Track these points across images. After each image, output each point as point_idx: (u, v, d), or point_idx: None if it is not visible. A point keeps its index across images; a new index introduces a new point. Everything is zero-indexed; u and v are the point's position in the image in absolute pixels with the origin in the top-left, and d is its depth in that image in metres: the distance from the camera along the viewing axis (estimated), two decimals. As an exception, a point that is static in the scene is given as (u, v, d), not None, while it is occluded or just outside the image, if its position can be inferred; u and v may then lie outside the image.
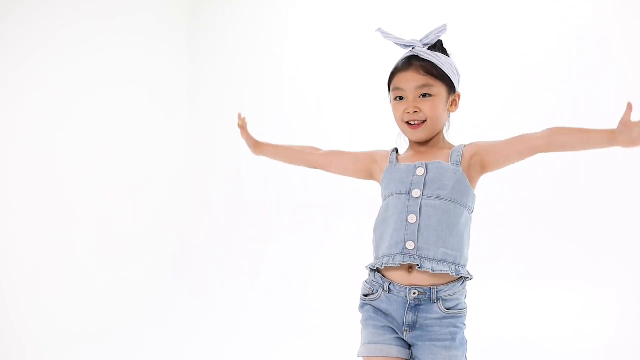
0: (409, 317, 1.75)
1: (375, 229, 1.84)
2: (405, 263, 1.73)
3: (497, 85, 4.21)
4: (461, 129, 2.00)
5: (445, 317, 1.74)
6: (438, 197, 1.77)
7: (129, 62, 4.22)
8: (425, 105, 1.83)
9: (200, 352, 3.52)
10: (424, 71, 1.83)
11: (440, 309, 1.74)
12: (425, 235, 1.74)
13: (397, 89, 1.86)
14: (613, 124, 1.62)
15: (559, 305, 3.68)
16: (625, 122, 1.57)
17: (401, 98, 1.86)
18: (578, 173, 3.99)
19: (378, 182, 1.93)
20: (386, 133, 2.20)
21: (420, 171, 1.81)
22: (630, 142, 1.57)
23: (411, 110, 1.84)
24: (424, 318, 1.74)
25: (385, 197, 1.85)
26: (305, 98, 4.37)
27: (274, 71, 4.49)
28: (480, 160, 1.84)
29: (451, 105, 1.89)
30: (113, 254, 4.04)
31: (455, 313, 1.76)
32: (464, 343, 1.78)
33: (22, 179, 3.65)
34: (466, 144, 1.87)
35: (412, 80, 1.83)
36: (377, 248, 1.82)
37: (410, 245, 1.73)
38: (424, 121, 1.84)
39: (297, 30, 4.44)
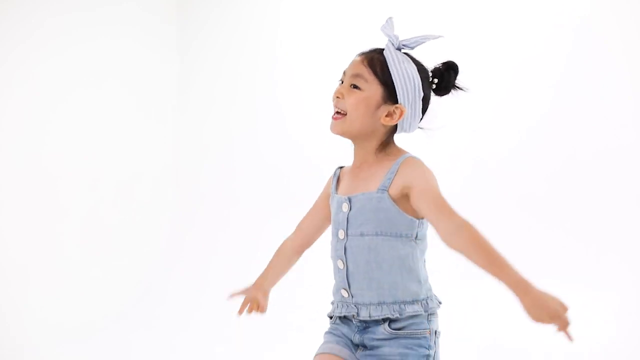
0: (356, 338, 1.65)
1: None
2: (348, 314, 1.64)
3: (495, 85, 4.21)
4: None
5: (393, 338, 1.61)
6: (361, 235, 1.59)
7: (116, 55, 4.18)
8: (349, 97, 1.62)
9: (190, 348, 3.48)
10: (368, 63, 1.62)
11: (385, 329, 1.61)
12: (357, 280, 1.61)
13: (343, 71, 1.67)
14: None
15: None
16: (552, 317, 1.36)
17: (341, 82, 1.67)
18: (577, 172, 4.00)
19: None
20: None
21: (345, 207, 1.62)
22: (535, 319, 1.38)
23: (336, 94, 1.64)
24: (370, 339, 1.63)
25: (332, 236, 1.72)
26: (298, 94, 4.32)
27: (266, 66, 4.44)
28: (406, 194, 1.59)
29: (386, 116, 1.62)
30: (102, 250, 4.03)
31: (408, 334, 1.61)
32: None
33: (8, 175, 3.61)
34: (407, 158, 1.62)
35: (353, 66, 1.64)
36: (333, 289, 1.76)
37: (345, 293, 1.64)
38: (342, 114, 1.63)
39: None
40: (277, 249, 1.84)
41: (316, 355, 1.68)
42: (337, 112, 1.64)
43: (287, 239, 1.85)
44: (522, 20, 4.16)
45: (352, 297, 1.62)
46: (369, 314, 1.60)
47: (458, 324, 3.41)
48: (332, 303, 1.72)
